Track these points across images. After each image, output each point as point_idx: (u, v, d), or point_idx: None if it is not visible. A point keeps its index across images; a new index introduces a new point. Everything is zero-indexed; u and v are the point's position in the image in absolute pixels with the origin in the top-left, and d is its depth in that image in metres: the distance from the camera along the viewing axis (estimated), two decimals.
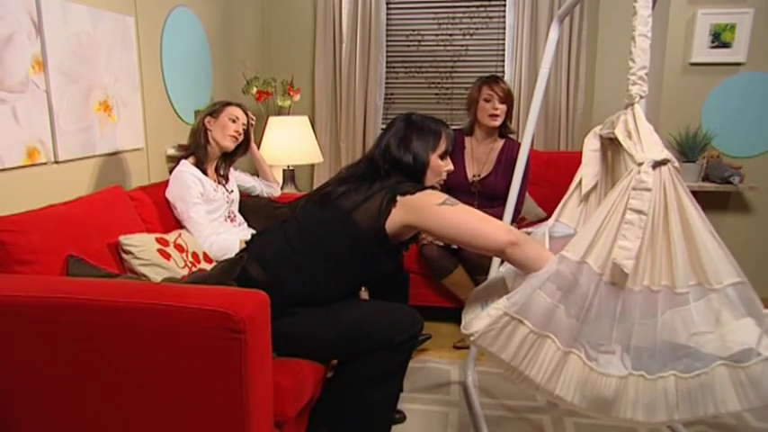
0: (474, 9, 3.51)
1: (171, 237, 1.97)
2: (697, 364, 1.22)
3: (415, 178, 1.64)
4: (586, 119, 3.41)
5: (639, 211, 1.23)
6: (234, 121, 2.27)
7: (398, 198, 1.53)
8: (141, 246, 1.82)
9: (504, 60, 3.49)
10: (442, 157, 1.67)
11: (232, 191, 2.38)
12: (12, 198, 1.75)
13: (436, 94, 3.68)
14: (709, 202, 3.08)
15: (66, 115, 1.95)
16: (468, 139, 2.67)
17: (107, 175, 2.22)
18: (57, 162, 1.94)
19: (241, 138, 2.32)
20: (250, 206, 2.54)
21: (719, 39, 2.93)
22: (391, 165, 1.63)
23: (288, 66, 3.76)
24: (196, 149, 2.23)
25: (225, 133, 2.26)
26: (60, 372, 1.30)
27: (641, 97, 1.34)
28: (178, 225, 2.15)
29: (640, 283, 1.26)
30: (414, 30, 3.62)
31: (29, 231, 1.54)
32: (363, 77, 3.59)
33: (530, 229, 1.72)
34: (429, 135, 1.65)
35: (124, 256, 1.81)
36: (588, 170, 1.63)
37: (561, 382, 1.27)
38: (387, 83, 3.67)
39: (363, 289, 2.07)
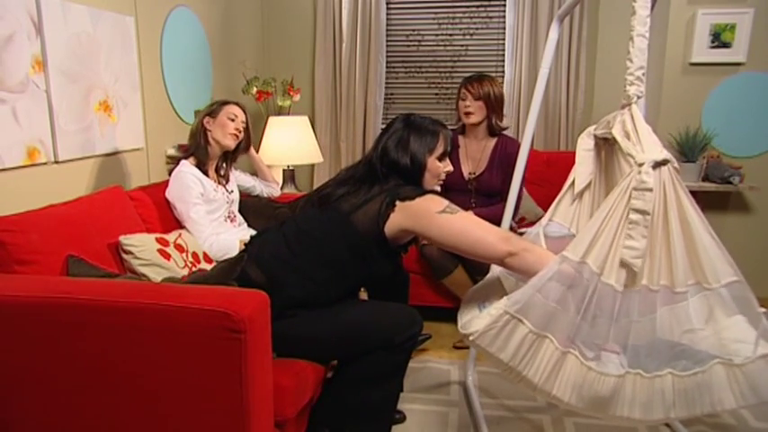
0: (474, 9, 3.51)
1: (171, 237, 1.97)
2: (694, 364, 1.23)
3: (413, 180, 1.63)
4: (586, 119, 3.41)
5: (643, 211, 1.23)
6: (233, 120, 2.27)
7: (398, 203, 1.53)
8: (141, 246, 1.82)
9: (504, 60, 3.49)
10: (440, 158, 1.67)
11: (232, 191, 2.38)
12: (12, 198, 1.75)
13: (436, 94, 3.68)
14: (709, 202, 3.08)
15: (66, 115, 1.95)
16: (461, 139, 2.68)
17: (107, 175, 2.22)
18: (57, 162, 1.94)
19: (242, 135, 2.32)
20: (250, 206, 2.54)
21: (719, 39, 2.93)
22: (389, 167, 1.62)
23: (288, 66, 3.76)
24: (196, 150, 2.23)
25: (225, 132, 2.25)
26: (60, 372, 1.30)
27: (639, 97, 1.34)
28: (178, 225, 2.15)
29: (639, 283, 1.26)
30: (414, 30, 3.62)
31: (29, 231, 1.54)
32: (363, 77, 3.59)
33: (525, 230, 1.72)
34: (426, 136, 1.65)
35: (124, 256, 1.81)
36: (582, 169, 1.64)
37: (558, 383, 1.28)
38: (387, 83, 3.68)
39: (362, 289, 2.07)
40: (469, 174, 2.63)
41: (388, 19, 3.59)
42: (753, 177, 3.00)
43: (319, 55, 3.62)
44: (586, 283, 1.27)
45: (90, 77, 2.07)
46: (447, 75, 3.64)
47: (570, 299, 1.28)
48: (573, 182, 1.67)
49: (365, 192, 1.59)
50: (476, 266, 2.51)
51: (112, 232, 1.82)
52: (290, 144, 3.13)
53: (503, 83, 3.50)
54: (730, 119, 3.01)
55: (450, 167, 1.71)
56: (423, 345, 2.53)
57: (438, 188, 1.70)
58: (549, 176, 3.08)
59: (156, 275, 1.80)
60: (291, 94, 3.34)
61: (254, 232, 2.27)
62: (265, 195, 2.68)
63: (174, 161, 2.26)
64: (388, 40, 3.63)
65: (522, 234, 1.69)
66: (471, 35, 3.56)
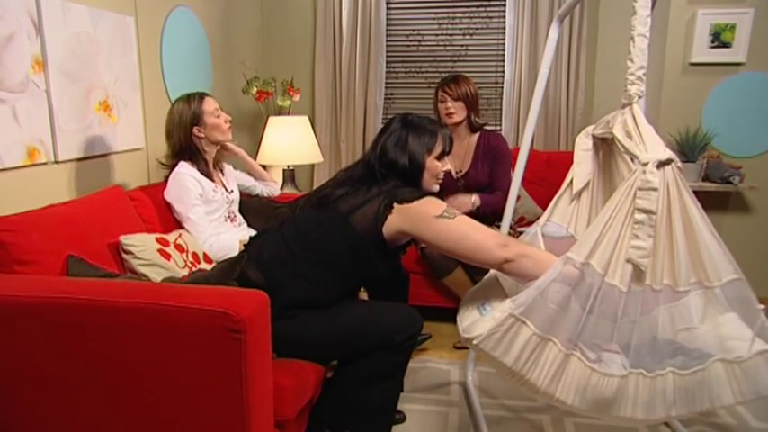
0: (474, 9, 3.51)
1: (171, 237, 1.97)
2: (693, 362, 1.23)
3: (411, 180, 1.63)
4: (586, 119, 3.41)
5: (648, 211, 1.23)
6: (218, 116, 2.25)
7: (395, 205, 1.53)
8: (141, 246, 1.82)
9: (504, 60, 3.49)
10: (438, 158, 1.67)
11: (232, 191, 2.38)
12: (12, 198, 1.75)
13: None
14: (709, 202, 3.08)
15: (66, 115, 1.95)
16: None
17: (107, 175, 2.22)
18: (57, 162, 1.94)
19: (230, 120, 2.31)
20: (250, 206, 2.54)
21: (719, 39, 2.93)
22: (388, 167, 1.62)
23: (288, 66, 3.76)
24: (191, 158, 2.21)
25: (220, 130, 2.25)
26: (60, 372, 1.30)
27: (639, 97, 1.34)
28: (178, 225, 2.15)
29: (643, 283, 1.26)
30: (414, 30, 3.62)
31: (29, 231, 1.54)
32: (363, 77, 3.59)
33: (523, 229, 1.72)
34: (425, 135, 1.64)
35: (124, 256, 1.81)
36: (580, 169, 1.64)
37: (562, 385, 1.27)
38: (387, 83, 3.68)
39: (362, 289, 2.07)
40: (457, 172, 2.66)
41: (388, 19, 3.59)
42: (753, 177, 3.00)
43: (319, 55, 3.62)
44: (590, 283, 1.27)
45: (90, 77, 2.07)
46: (447, 75, 3.63)
47: (574, 300, 1.28)
48: (571, 182, 1.67)
49: (363, 193, 1.59)
50: (475, 267, 2.51)
51: (112, 232, 1.82)
52: (290, 144, 3.13)
53: (503, 83, 3.51)
54: (730, 119, 3.01)
55: (448, 166, 1.71)
56: (423, 344, 2.53)
57: (437, 188, 1.70)
58: (549, 176, 3.08)
59: (156, 275, 1.80)
60: (291, 94, 3.34)
61: (253, 232, 2.27)
62: (265, 195, 2.68)
63: (167, 166, 2.23)
64: (388, 40, 3.63)
65: (520, 234, 1.69)
66: (471, 35, 3.56)
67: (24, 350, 1.30)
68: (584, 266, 1.28)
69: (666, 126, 3.05)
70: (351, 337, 1.59)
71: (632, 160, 1.66)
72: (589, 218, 1.66)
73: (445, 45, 3.60)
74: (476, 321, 1.42)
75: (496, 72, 3.56)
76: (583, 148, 1.64)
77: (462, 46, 3.58)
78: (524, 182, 2.70)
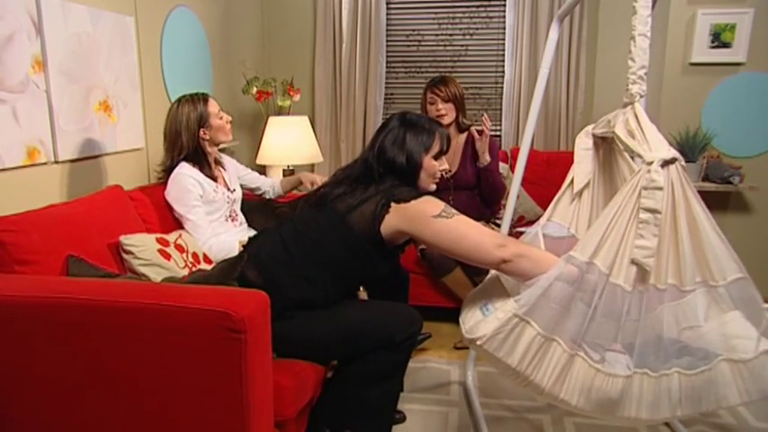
0: (474, 9, 3.51)
1: (171, 237, 1.97)
2: (699, 362, 1.23)
3: (408, 179, 1.63)
4: (586, 119, 3.41)
5: (654, 210, 1.22)
6: (221, 117, 2.25)
7: (393, 204, 1.52)
8: (142, 246, 1.82)
9: (504, 60, 3.49)
10: (436, 157, 1.66)
11: (234, 190, 2.37)
12: (12, 198, 1.75)
13: None
14: (709, 202, 3.03)
15: (66, 115, 1.95)
16: None
17: (107, 175, 2.22)
18: (57, 162, 1.94)
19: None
20: (250, 206, 2.53)
21: (719, 39, 2.93)
22: (385, 166, 1.62)
23: (288, 66, 3.76)
24: (195, 159, 2.20)
25: (224, 131, 2.25)
26: (60, 372, 1.30)
27: (641, 96, 1.34)
28: (178, 225, 2.15)
29: (647, 282, 1.26)
30: (414, 30, 3.62)
31: (29, 231, 1.54)
32: (363, 77, 3.59)
33: (524, 229, 1.72)
34: (423, 134, 1.64)
35: (125, 256, 1.81)
36: (580, 169, 1.64)
37: (566, 386, 1.27)
38: (387, 83, 3.67)
39: (362, 289, 2.07)
40: (446, 172, 2.67)
41: (388, 19, 3.59)
42: (753, 177, 3.00)
43: (319, 55, 3.61)
44: (595, 283, 1.26)
45: (90, 77, 2.07)
46: (447, 75, 3.63)
47: (578, 300, 1.27)
48: (571, 181, 1.67)
49: (361, 192, 1.58)
50: (474, 267, 2.52)
51: (112, 232, 1.82)
52: (290, 144, 3.13)
53: (503, 83, 3.51)
54: (730, 119, 3.01)
55: (445, 166, 1.71)
56: (423, 344, 2.53)
57: (434, 187, 1.70)
58: (549, 176, 3.08)
59: (156, 275, 1.80)
60: (291, 94, 3.34)
61: (254, 232, 2.27)
62: (272, 196, 2.66)
63: (164, 171, 2.22)
64: (388, 40, 3.63)
65: (521, 233, 1.69)
66: (471, 35, 3.56)
67: (24, 350, 1.30)
68: (588, 266, 1.27)
69: (666, 126, 3.05)
70: (350, 337, 1.59)
71: (633, 159, 1.66)
72: (590, 217, 1.66)
73: (445, 45, 3.60)
74: (479, 322, 1.42)
75: (496, 72, 3.56)
76: (583, 147, 1.64)
77: (462, 46, 3.58)
78: (524, 182, 2.70)
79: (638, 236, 1.24)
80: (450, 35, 3.58)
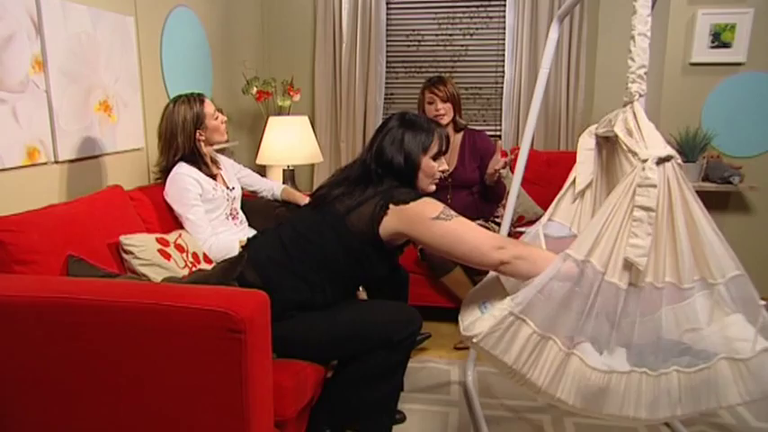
0: (474, 9, 3.51)
1: (171, 237, 1.97)
2: (699, 360, 1.23)
3: (407, 180, 1.63)
4: (586, 119, 3.41)
5: (647, 208, 1.22)
6: (217, 117, 2.25)
7: (391, 206, 1.53)
8: (142, 246, 1.82)
9: (504, 60, 3.49)
10: (435, 157, 1.66)
11: (233, 188, 2.36)
12: (12, 198, 1.75)
13: None
14: (709, 202, 3.06)
15: (67, 115, 1.95)
16: None
17: (107, 175, 2.22)
18: (57, 162, 1.94)
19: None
20: (250, 205, 2.53)
21: (719, 39, 2.93)
22: (384, 167, 1.62)
23: (288, 66, 3.76)
24: (192, 159, 2.20)
25: (220, 132, 2.25)
26: (60, 372, 1.30)
27: (640, 95, 1.34)
28: (178, 225, 2.15)
29: (643, 281, 1.26)
30: (414, 30, 3.62)
31: (29, 231, 1.54)
32: (363, 77, 3.59)
33: (524, 229, 1.72)
34: (421, 134, 1.64)
35: (125, 256, 1.81)
36: (583, 168, 1.64)
37: (562, 385, 1.27)
38: (387, 83, 3.68)
39: (361, 288, 2.07)
40: (444, 171, 2.68)
41: (388, 19, 3.59)
42: (753, 177, 3.00)
43: (319, 55, 3.61)
44: (590, 281, 1.26)
45: (90, 77, 2.07)
46: (447, 75, 3.63)
47: (574, 298, 1.28)
48: (574, 181, 1.67)
49: (360, 193, 1.58)
50: (474, 267, 2.52)
51: (112, 232, 1.82)
52: (290, 144, 3.13)
53: (503, 83, 3.51)
54: (730, 119, 3.01)
55: (444, 166, 1.71)
56: (422, 344, 2.53)
57: (433, 188, 1.70)
58: (549, 176, 3.08)
59: (156, 275, 1.80)
60: (291, 94, 3.34)
61: (254, 232, 2.27)
62: (270, 198, 2.66)
63: (162, 172, 2.22)
64: (388, 40, 3.63)
65: (520, 233, 1.69)
66: (471, 35, 3.56)
67: (24, 350, 1.30)
68: (584, 264, 1.28)
69: (666, 126, 3.05)
70: (350, 336, 1.59)
71: (634, 157, 1.65)
72: (592, 217, 1.66)
73: (445, 45, 3.60)
74: (476, 320, 1.42)
75: (496, 72, 3.56)
76: (586, 147, 1.64)
77: (462, 46, 3.58)
78: (524, 182, 2.70)
79: (631, 234, 1.24)
80: (450, 35, 3.58)
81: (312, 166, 3.77)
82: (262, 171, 3.20)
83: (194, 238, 2.09)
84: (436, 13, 3.56)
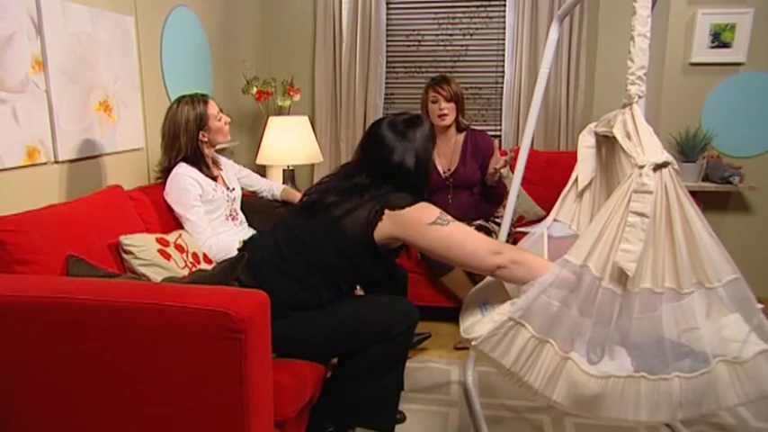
0: (474, 9, 3.51)
1: (171, 237, 1.97)
2: (699, 364, 1.23)
3: (415, 184, 1.62)
4: (586, 119, 3.41)
5: (641, 214, 1.23)
6: (220, 119, 2.25)
7: (387, 211, 1.52)
8: (142, 246, 1.82)
9: (504, 60, 3.49)
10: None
11: (233, 188, 2.37)
12: (12, 198, 1.75)
13: None
14: (709, 202, 3.08)
15: (66, 115, 1.95)
16: None
17: (107, 175, 2.22)
18: (57, 162, 1.94)
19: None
20: (250, 206, 2.53)
21: (719, 39, 2.93)
22: (388, 175, 1.60)
23: (288, 66, 3.76)
24: (193, 160, 2.20)
25: (223, 133, 2.25)
26: (60, 372, 1.30)
27: (640, 97, 1.34)
28: (178, 225, 2.15)
29: (638, 285, 1.26)
30: (414, 30, 3.62)
31: (29, 231, 1.54)
32: (363, 77, 3.59)
33: (528, 229, 1.72)
34: (429, 142, 1.64)
35: (125, 256, 1.81)
36: (584, 167, 1.64)
37: (558, 389, 1.27)
38: (387, 83, 3.67)
39: (359, 288, 2.06)
40: (445, 171, 2.70)
41: (388, 19, 3.59)
42: (753, 177, 3.00)
43: (319, 55, 3.61)
44: (588, 286, 1.26)
45: (90, 77, 2.07)
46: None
47: (572, 302, 1.28)
48: (576, 180, 1.67)
49: (357, 197, 1.58)
50: (471, 271, 2.53)
51: (112, 232, 1.82)
52: (290, 144, 3.13)
53: (503, 83, 3.51)
54: (730, 119, 3.01)
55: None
56: (422, 344, 2.53)
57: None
58: (549, 176, 3.08)
59: (156, 276, 1.80)
60: (291, 94, 3.34)
61: (254, 232, 2.27)
62: (270, 198, 2.66)
63: (165, 171, 2.22)
64: (388, 40, 3.63)
65: (520, 233, 1.69)
66: (471, 35, 3.56)
67: (24, 350, 1.30)
68: (581, 269, 1.28)
69: (666, 126, 3.06)
70: (346, 333, 1.59)
71: (632, 161, 1.65)
72: (591, 215, 1.66)
73: (445, 45, 3.60)
74: (476, 322, 1.42)
75: (496, 72, 3.56)
76: (586, 145, 1.64)
77: (462, 46, 3.58)
78: (524, 182, 2.71)
79: (623, 239, 1.24)
80: (451, 35, 3.58)
81: (312, 166, 3.77)
82: (262, 171, 3.20)
83: (194, 238, 2.09)
84: (436, 13, 3.56)
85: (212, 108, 2.21)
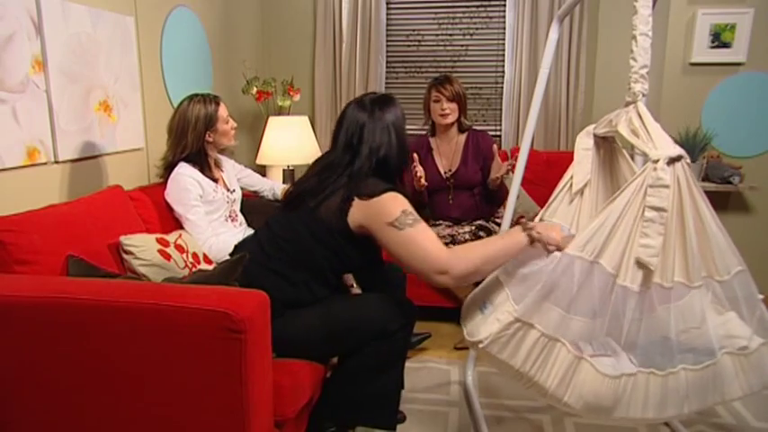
0: (474, 9, 3.51)
1: (171, 237, 1.97)
2: (704, 357, 1.23)
3: (387, 168, 1.61)
4: (586, 119, 3.41)
5: (659, 209, 1.22)
6: (228, 122, 2.26)
7: (356, 199, 1.52)
8: (142, 246, 1.82)
9: (504, 60, 3.49)
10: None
11: (234, 190, 2.37)
12: (12, 198, 1.75)
13: None
14: (709, 201, 3.07)
15: (67, 115, 1.95)
16: (433, 140, 2.77)
17: (107, 175, 2.22)
18: (57, 162, 1.94)
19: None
20: (251, 206, 2.53)
21: (719, 39, 2.93)
22: (362, 154, 1.59)
23: (288, 66, 3.76)
24: (196, 160, 2.20)
25: (228, 137, 2.27)
26: (60, 372, 1.29)
27: (643, 95, 1.34)
28: (178, 225, 2.15)
29: (653, 281, 1.25)
30: (414, 30, 3.62)
31: (29, 231, 1.54)
32: (363, 77, 3.59)
33: None
34: (396, 110, 1.65)
35: (125, 256, 1.81)
36: (580, 168, 1.63)
37: (571, 389, 1.26)
38: (387, 83, 3.67)
39: (356, 286, 2.06)
40: (446, 171, 2.70)
41: (388, 19, 3.59)
42: (753, 177, 3.00)
43: (319, 55, 3.61)
44: (599, 284, 1.26)
45: (90, 77, 2.07)
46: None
47: (582, 300, 1.27)
48: (569, 181, 1.66)
49: (332, 181, 1.58)
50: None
51: (112, 232, 1.82)
52: (290, 144, 3.13)
53: (503, 83, 3.51)
54: (730, 119, 3.01)
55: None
56: (422, 344, 2.53)
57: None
58: (549, 176, 3.08)
59: (156, 276, 1.80)
60: (291, 94, 3.34)
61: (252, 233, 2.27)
62: (272, 198, 2.66)
63: (168, 168, 2.22)
64: (388, 40, 3.63)
65: None
66: (471, 35, 3.56)
67: (24, 350, 1.30)
68: (592, 265, 1.26)
69: (666, 126, 3.01)
70: (343, 330, 1.59)
71: (633, 159, 1.65)
72: (590, 217, 1.65)
73: (445, 45, 3.60)
74: (478, 323, 1.41)
75: (496, 72, 3.56)
76: (583, 147, 1.64)
77: (462, 46, 3.58)
78: (524, 182, 2.71)
79: (642, 234, 1.23)
80: (451, 35, 3.58)
81: None
82: (262, 171, 3.20)
83: (194, 238, 2.09)
84: (436, 13, 3.56)
85: (223, 110, 2.23)
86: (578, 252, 1.28)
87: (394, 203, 1.49)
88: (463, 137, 2.71)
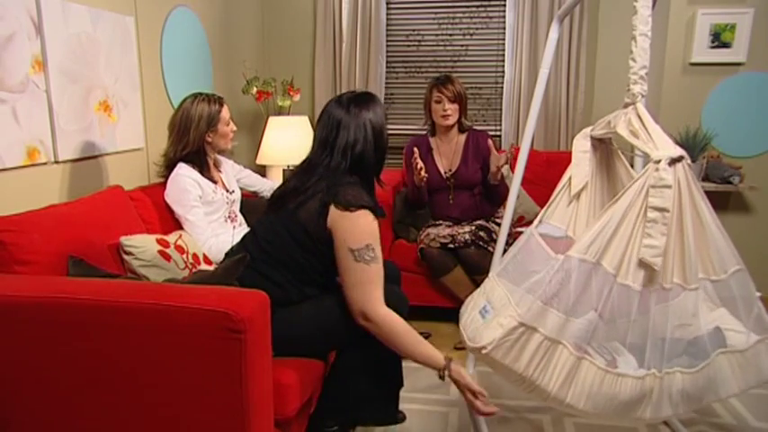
0: (474, 9, 3.51)
1: (171, 238, 1.97)
2: (698, 360, 1.23)
3: (367, 169, 1.61)
4: (586, 119, 3.41)
5: (662, 209, 1.22)
6: (228, 124, 2.26)
7: (332, 207, 1.51)
8: (142, 247, 1.82)
9: (504, 60, 3.49)
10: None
11: (233, 191, 2.37)
12: (12, 198, 1.75)
13: None
14: (709, 201, 3.07)
15: (67, 115, 1.95)
16: (433, 140, 2.77)
17: (107, 175, 2.22)
18: (57, 162, 1.94)
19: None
20: (251, 206, 2.53)
21: (719, 39, 2.93)
22: (339, 151, 1.58)
23: (288, 66, 3.76)
24: (195, 160, 2.20)
25: (227, 139, 2.26)
26: (60, 372, 1.29)
27: (642, 96, 1.34)
28: (178, 226, 2.15)
29: (655, 282, 1.26)
30: (414, 30, 3.62)
31: (29, 231, 1.54)
32: (363, 77, 3.59)
33: (522, 229, 1.72)
34: (377, 108, 1.63)
35: (125, 256, 1.81)
36: (578, 171, 1.63)
37: (573, 390, 1.26)
38: (387, 83, 3.67)
39: None
40: (446, 171, 2.70)
41: (388, 19, 3.59)
42: (753, 177, 3.00)
43: (319, 55, 3.62)
44: (600, 285, 1.26)
45: (90, 77, 2.07)
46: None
47: (585, 302, 1.27)
48: (567, 183, 1.66)
49: (313, 182, 1.57)
50: (474, 266, 2.53)
51: (113, 233, 1.82)
52: (290, 144, 3.13)
53: (503, 83, 3.51)
54: (730, 119, 3.01)
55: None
56: None
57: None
58: (549, 176, 3.08)
59: (156, 277, 1.80)
60: (291, 94, 3.34)
61: None
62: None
63: (167, 167, 2.22)
64: (388, 40, 3.63)
65: (520, 233, 1.69)
66: (471, 35, 3.56)
67: (24, 350, 1.30)
68: (595, 267, 1.26)
69: (666, 126, 3.04)
70: (335, 324, 1.59)
71: (632, 160, 1.65)
72: (587, 219, 1.65)
73: (445, 45, 3.60)
74: (479, 328, 1.41)
75: (496, 72, 3.56)
76: (581, 149, 1.64)
77: (462, 46, 3.58)
78: (524, 182, 2.71)
79: (645, 235, 1.23)
80: (451, 35, 3.58)
81: None
82: (262, 171, 3.20)
83: (194, 239, 2.09)
84: (436, 13, 3.56)
85: (225, 112, 2.23)
86: (582, 254, 1.28)
87: (363, 230, 1.50)
88: (463, 137, 2.71)
